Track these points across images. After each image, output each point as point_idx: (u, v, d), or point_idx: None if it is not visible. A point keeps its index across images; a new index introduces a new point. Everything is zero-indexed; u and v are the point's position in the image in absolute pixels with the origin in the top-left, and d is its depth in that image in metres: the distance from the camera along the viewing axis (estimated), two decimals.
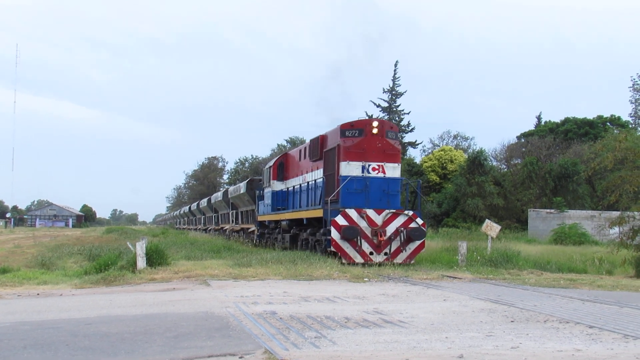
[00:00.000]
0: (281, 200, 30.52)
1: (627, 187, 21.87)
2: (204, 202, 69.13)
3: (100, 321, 10.62)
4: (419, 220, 22.19)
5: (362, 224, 21.33)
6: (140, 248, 19.81)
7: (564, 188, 55.56)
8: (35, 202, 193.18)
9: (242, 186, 42.65)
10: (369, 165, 22.29)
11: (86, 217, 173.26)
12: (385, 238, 21.34)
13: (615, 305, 12.76)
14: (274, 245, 30.53)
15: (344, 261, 20.86)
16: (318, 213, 22.95)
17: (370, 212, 21.59)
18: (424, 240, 22.68)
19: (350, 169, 22.15)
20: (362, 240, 21.22)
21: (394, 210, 21.96)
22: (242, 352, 7.86)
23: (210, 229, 63.55)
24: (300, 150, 29.13)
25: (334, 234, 21.05)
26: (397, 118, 71.09)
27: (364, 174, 22.23)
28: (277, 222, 30.93)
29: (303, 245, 26.04)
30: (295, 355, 7.59)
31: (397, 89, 72.24)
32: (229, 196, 48.88)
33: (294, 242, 27.55)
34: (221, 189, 78.30)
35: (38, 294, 15.42)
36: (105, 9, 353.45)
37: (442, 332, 9.42)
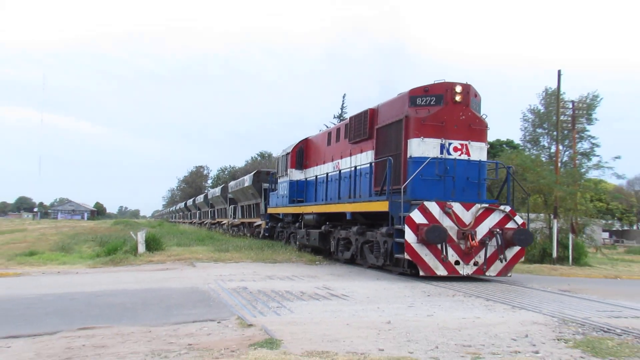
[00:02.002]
0: (301, 191, 21.62)
1: (517, 195, 22.40)
2: (200, 198, 60.42)
3: (108, 294, 10.49)
4: (518, 219, 13.64)
5: (446, 222, 12.83)
6: (140, 236, 19.64)
7: None
8: (57, 200, 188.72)
9: (247, 179, 33.37)
10: (450, 144, 13.61)
11: (98, 211, 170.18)
12: (477, 242, 12.95)
13: (506, 284, 13.01)
14: (289, 241, 22.97)
15: (421, 273, 12.73)
16: (378, 206, 13.95)
17: (457, 207, 13.05)
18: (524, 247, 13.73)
19: (425, 147, 13.46)
20: (447, 246, 12.78)
21: (486, 205, 13.37)
22: (220, 319, 7.84)
23: (206, 223, 54.84)
24: (329, 133, 19.74)
25: (409, 236, 12.59)
26: None
27: (444, 155, 13.56)
28: (296, 215, 21.83)
29: (340, 246, 17.54)
30: (261, 321, 7.58)
31: (345, 115, 72.12)
32: (229, 191, 39.98)
33: (325, 241, 18.77)
34: (205, 191, 77.04)
35: (59, 272, 15.15)
36: (114, 47, 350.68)
37: (375, 303, 9.48)
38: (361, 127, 16.20)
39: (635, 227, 72.61)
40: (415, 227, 12.59)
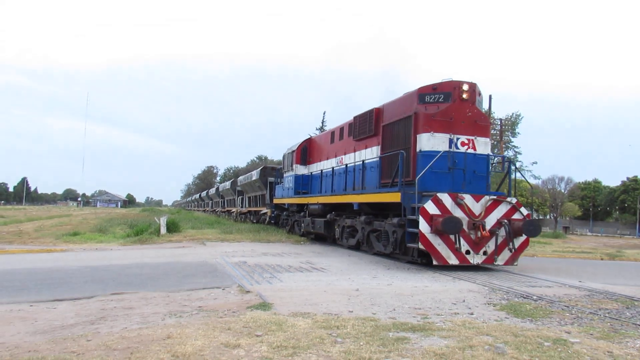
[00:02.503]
0: (306, 184, 19.01)
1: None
2: (212, 190, 56.98)
3: (136, 266, 10.36)
4: (524, 210, 11.16)
5: (458, 213, 10.43)
6: (162, 221, 19.46)
7: None
8: (97, 191, 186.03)
9: (254, 174, 30.43)
10: (458, 139, 11.23)
11: (129, 201, 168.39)
12: (487, 233, 10.59)
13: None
14: (294, 228, 20.36)
15: (435, 262, 10.28)
16: (390, 197, 11.31)
17: (468, 199, 10.63)
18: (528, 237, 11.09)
19: (434, 142, 11.08)
20: (460, 236, 10.36)
21: (494, 197, 10.93)
22: (224, 286, 7.77)
23: (217, 211, 51.76)
24: (333, 133, 16.99)
25: (423, 227, 10.20)
26: None
27: (452, 149, 11.15)
28: (301, 205, 19.17)
29: (345, 234, 15.09)
30: (257, 288, 7.53)
31: (325, 127, 71.73)
32: (238, 184, 36.77)
33: (329, 228, 16.29)
34: (216, 185, 76.23)
35: (96, 249, 14.94)
36: (143, 72, 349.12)
37: (347, 275, 9.47)
38: (366, 125, 13.84)
39: (548, 217, 73.64)
40: (429, 218, 10.24)
